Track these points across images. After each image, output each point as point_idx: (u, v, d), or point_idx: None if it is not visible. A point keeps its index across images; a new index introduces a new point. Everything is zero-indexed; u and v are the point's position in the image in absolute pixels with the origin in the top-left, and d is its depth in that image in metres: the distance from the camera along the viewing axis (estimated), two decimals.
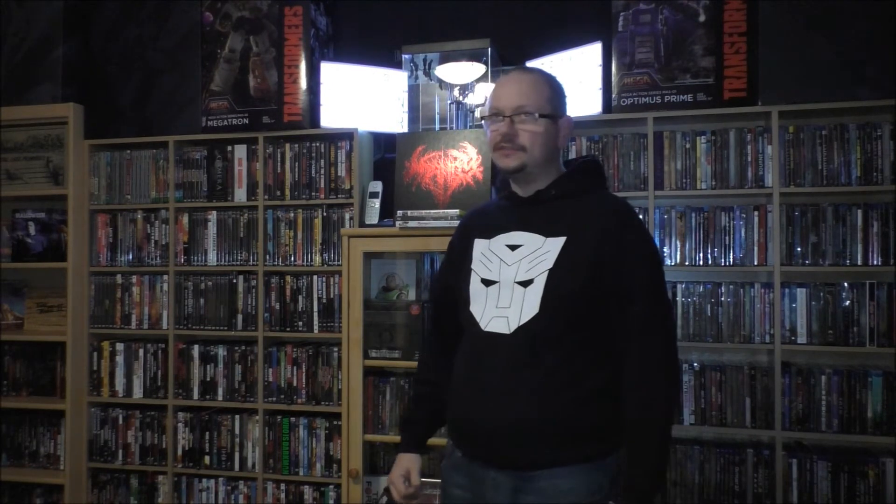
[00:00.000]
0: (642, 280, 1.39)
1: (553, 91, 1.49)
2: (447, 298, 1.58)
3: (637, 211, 1.50)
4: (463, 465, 1.46)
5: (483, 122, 1.55)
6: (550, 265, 1.39)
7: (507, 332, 1.38)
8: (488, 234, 1.51)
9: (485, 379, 1.41)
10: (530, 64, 2.62)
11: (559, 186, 1.48)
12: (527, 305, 1.38)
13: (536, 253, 1.41)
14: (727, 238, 2.44)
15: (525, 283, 1.39)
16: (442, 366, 1.56)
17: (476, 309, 1.45)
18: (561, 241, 1.40)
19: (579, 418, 1.36)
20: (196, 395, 2.79)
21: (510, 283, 1.41)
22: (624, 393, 1.36)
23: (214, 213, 2.81)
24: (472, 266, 1.49)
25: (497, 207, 1.58)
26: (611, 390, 1.37)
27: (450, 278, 1.58)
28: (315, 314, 2.69)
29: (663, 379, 1.37)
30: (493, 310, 1.42)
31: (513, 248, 1.45)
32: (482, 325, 1.42)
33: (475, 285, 1.47)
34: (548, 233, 1.43)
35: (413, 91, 2.70)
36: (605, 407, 1.37)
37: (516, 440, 1.37)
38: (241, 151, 2.80)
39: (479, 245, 1.51)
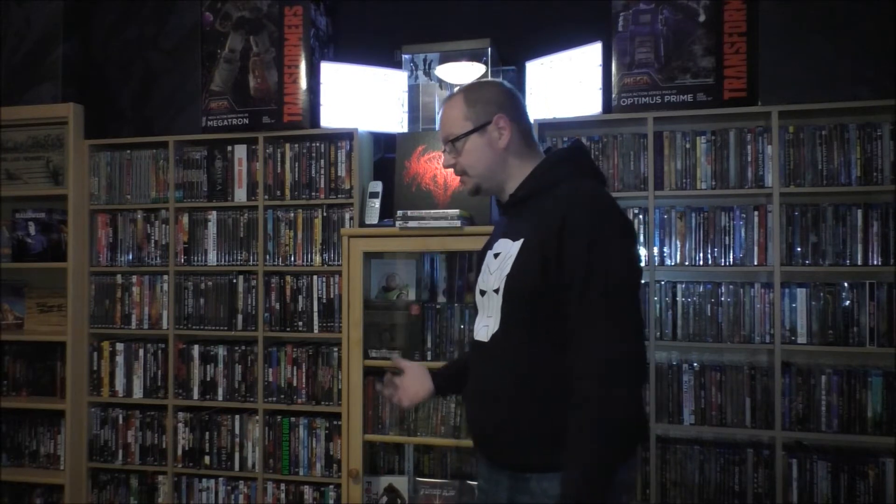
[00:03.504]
0: (577, 293, 1.28)
1: (466, 105, 1.47)
2: None
3: (595, 202, 1.34)
4: (482, 458, 1.53)
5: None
6: (508, 270, 1.38)
7: (486, 340, 1.43)
8: (490, 244, 1.54)
9: (475, 384, 1.48)
10: (530, 64, 2.62)
11: (524, 187, 1.46)
12: (497, 313, 1.41)
13: (505, 259, 1.41)
14: (727, 238, 2.44)
15: (497, 291, 1.41)
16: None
17: (476, 318, 1.51)
18: (518, 244, 1.38)
19: (557, 423, 1.31)
20: (196, 395, 2.79)
21: (490, 291, 1.44)
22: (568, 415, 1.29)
23: (214, 213, 2.81)
24: (478, 277, 1.54)
25: (500, 216, 1.62)
26: None
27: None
28: (315, 314, 2.69)
29: (592, 396, 1.24)
30: (483, 318, 1.47)
31: (496, 256, 1.46)
32: (474, 334, 1.49)
33: (476, 296, 1.52)
34: (514, 237, 1.41)
35: (413, 91, 2.70)
36: None
37: (501, 444, 1.41)
38: (241, 151, 2.80)
39: (487, 256, 1.54)
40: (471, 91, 1.51)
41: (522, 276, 1.36)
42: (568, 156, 1.49)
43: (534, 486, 1.36)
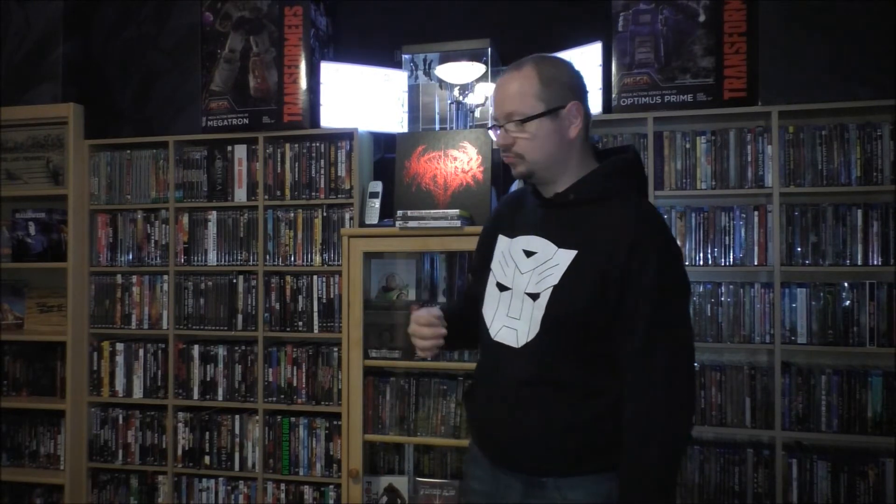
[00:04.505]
0: (645, 312, 1.27)
1: (544, 83, 1.35)
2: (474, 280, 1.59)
3: (663, 227, 1.35)
4: (481, 459, 1.48)
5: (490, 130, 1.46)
6: (556, 281, 1.32)
7: (516, 346, 1.36)
8: (511, 233, 1.45)
9: (496, 388, 1.41)
10: None
11: (578, 190, 1.37)
12: (533, 321, 1.34)
13: (547, 264, 1.35)
14: (727, 238, 2.44)
15: (534, 297, 1.35)
16: (467, 307, 1.57)
17: (488, 312, 1.43)
18: (571, 255, 1.32)
19: (587, 434, 1.32)
20: (196, 395, 2.79)
21: (521, 293, 1.37)
22: (623, 424, 1.29)
23: (214, 213, 2.81)
24: (492, 265, 1.47)
25: (524, 201, 1.50)
26: (620, 407, 1.32)
27: (477, 264, 1.57)
28: (315, 314, 2.69)
29: (660, 418, 1.26)
30: (504, 318, 1.39)
31: (528, 254, 1.39)
32: (492, 334, 1.41)
33: (491, 287, 1.44)
34: (561, 243, 1.34)
35: (413, 91, 2.70)
36: (615, 423, 1.31)
37: (523, 451, 1.37)
38: (241, 151, 2.80)
39: (502, 243, 1.47)
40: (546, 67, 1.37)
41: (577, 292, 1.30)
42: (628, 168, 1.41)
43: (550, 491, 1.34)
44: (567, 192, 1.38)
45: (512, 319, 1.38)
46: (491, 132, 1.46)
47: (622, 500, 1.28)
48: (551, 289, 1.32)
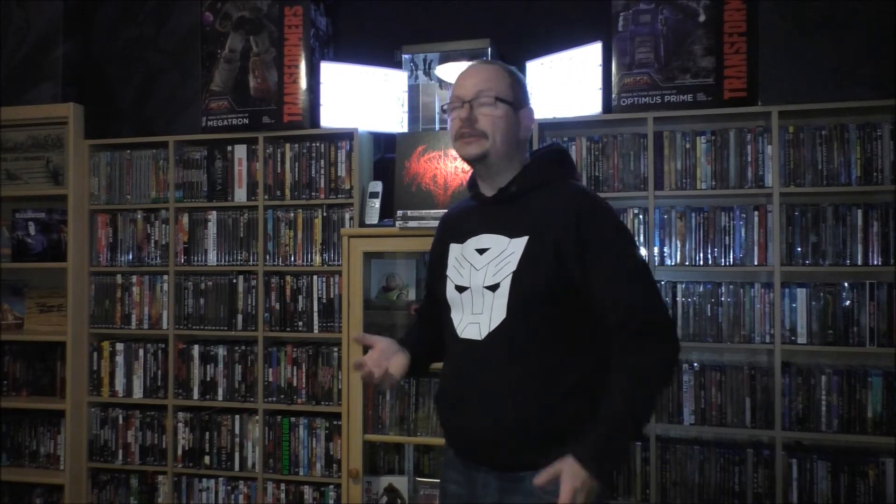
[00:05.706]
0: (612, 267, 1.34)
1: (513, 80, 1.47)
2: (431, 297, 1.64)
3: (602, 198, 1.46)
4: (457, 462, 1.48)
5: (445, 114, 1.51)
6: (514, 267, 1.37)
7: (479, 338, 1.39)
8: (460, 238, 1.50)
9: (464, 384, 1.43)
10: (530, 64, 2.62)
11: (519, 182, 1.45)
12: (496, 310, 1.38)
13: (502, 255, 1.40)
14: (727, 238, 2.44)
15: (493, 288, 1.39)
16: (425, 331, 1.64)
17: (455, 316, 1.46)
18: (524, 241, 1.38)
19: (559, 419, 1.34)
20: (196, 395, 2.79)
21: (480, 288, 1.41)
22: (613, 367, 1.33)
23: (214, 213, 2.81)
24: (448, 273, 1.50)
25: (467, 209, 1.56)
26: (590, 388, 1.34)
27: (431, 280, 1.62)
28: (315, 314, 2.69)
29: (653, 359, 1.31)
30: (469, 316, 1.42)
31: (481, 251, 1.44)
32: (458, 332, 1.44)
33: (451, 292, 1.47)
34: (512, 233, 1.41)
35: (413, 91, 2.70)
36: (586, 405, 1.33)
37: (497, 444, 1.38)
38: (241, 151, 2.80)
39: (454, 250, 1.51)
40: (516, 72, 1.49)
41: (536, 271, 1.35)
42: (558, 157, 1.52)
43: (528, 485, 1.34)
44: (509, 186, 1.46)
45: (475, 315, 1.41)
46: (447, 115, 1.50)
47: (585, 442, 1.27)
48: (511, 275, 1.38)
